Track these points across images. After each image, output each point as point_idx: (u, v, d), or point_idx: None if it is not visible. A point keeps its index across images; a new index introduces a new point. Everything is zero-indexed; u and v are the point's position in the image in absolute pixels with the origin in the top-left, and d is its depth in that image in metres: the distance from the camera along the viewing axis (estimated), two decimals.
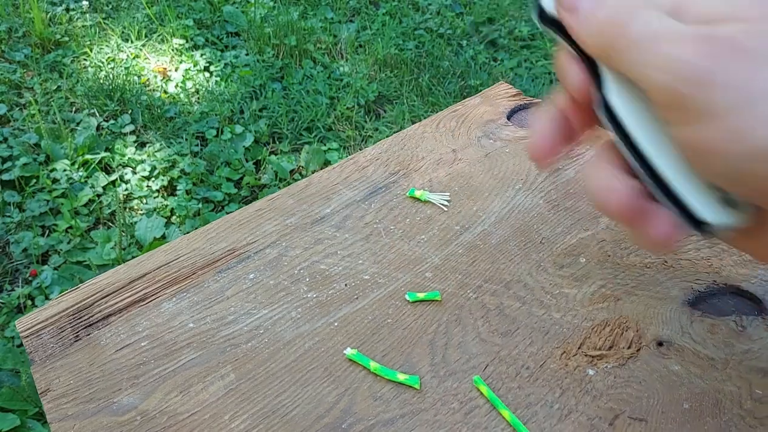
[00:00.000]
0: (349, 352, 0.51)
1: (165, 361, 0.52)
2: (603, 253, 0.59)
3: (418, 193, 0.67)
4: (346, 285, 0.57)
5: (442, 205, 0.66)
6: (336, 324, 0.54)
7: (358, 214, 0.65)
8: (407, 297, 0.56)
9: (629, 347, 0.51)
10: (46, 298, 1.54)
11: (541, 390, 0.48)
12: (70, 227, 1.71)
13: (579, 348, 0.51)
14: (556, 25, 0.34)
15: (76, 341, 0.54)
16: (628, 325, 0.53)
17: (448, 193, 0.67)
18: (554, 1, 0.34)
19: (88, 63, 2.33)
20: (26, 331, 0.55)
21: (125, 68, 2.30)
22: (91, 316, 0.56)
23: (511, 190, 0.67)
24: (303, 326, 0.54)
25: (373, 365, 0.50)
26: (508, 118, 0.79)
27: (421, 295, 0.56)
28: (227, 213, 1.78)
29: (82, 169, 1.88)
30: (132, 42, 2.44)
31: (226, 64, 2.37)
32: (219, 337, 0.53)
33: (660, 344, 0.51)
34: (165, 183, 1.86)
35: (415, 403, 0.48)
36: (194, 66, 2.34)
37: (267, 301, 0.56)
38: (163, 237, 1.68)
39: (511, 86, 0.84)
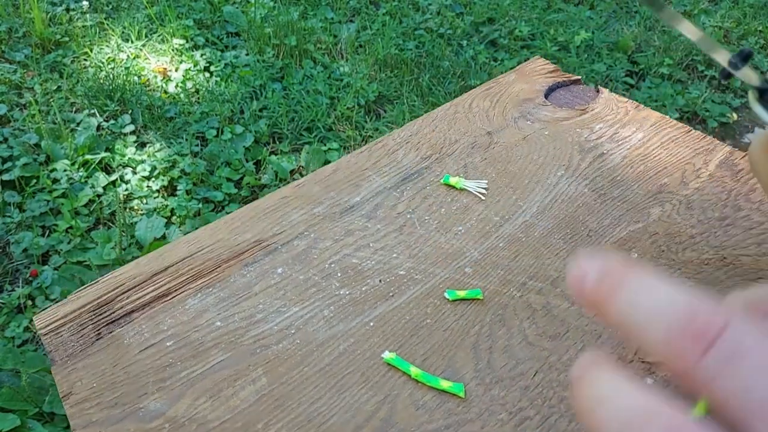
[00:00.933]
0: (387, 355, 0.48)
1: (192, 363, 0.49)
2: (656, 248, 0.55)
3: (453, 180, 0.63)
4: (380, 281, 0.54)
5: (480, 193, 0.62)
6: (372, 324, 0.51)
7: (389, 203, 0.61)
8: (447, 295, 0.52)
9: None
10: (47, 298, 1.54)
11: None
12: (71, 227, 1.70)
13: (635, 354, 0.47)
14: None
15: (98, 339, 0.51)
16: None
17: (486, 180, 0.63)
18: None
19: (88, 63, 2.30)
20: (45, 327, 0.52)
21: (125, 68, 2.27)
22: (113, 313, 0.53)
23: (553, 177, 0.63)
24: (337, 326, 0.51)
25: (413, 371, 0.47)
26: (546, 97, 0.74)
27: (461, 293, 0.52)
28: (227, 213, 1.75)
29: (82, 169, 1.86)
30: (132, 42, 2.40)
31: (226, 64, 2.33)
32: (248, 337, 0.50)
33: None
34: (165, 183, 1.84)
35: (461, 413, 0.45)
36: (194, 66, 2.31)
37: (297, 298, 0.53)
38: (164, 237, 1.67)
39: (547, 61, 0.80)
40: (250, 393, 0.47)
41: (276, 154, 2.00)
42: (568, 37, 2.60)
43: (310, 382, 0.47)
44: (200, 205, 1.78)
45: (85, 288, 0.55)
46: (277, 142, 2.04)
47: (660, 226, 0.57)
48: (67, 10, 2.59)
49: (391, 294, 0.53)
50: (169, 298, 0.54)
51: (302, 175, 1.88)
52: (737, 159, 0.64)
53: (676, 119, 2.20)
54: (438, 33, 2.58)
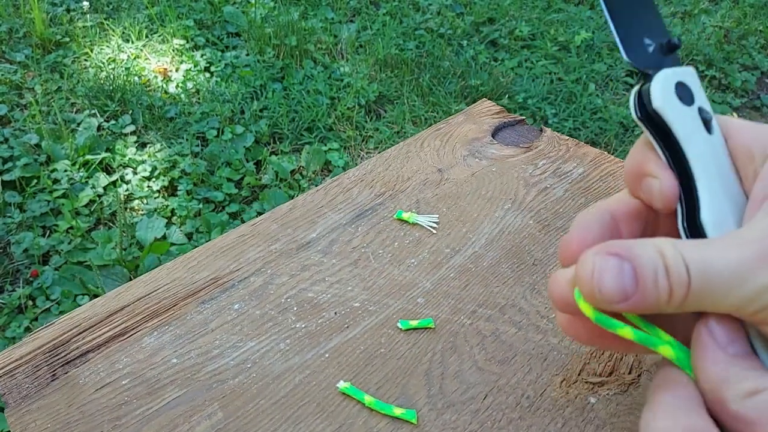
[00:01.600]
0: (342, 385, 0.49)
1: (148, 400, 0.49)
2: None
3: (405, 215, 0.65)
4: (335, 313, 0.55)
5: (431, 227, 0.64)
6: (327, 355, 0.52)
7: (345, 238, 0.63)
8: (400, 325, 0.54)
9: (630, 372, 0.50)
10: (47, 298, 1.52)
11: (542, 420, 0.47)
12: (71, 228, 1.69)
13: (579, 374, 0.50)
14: (651, 122, 0.30)
15: (53, 380, 0.51)
16: None
17: (437, 215, 0.66)
18: (662, 99, 0.29)
19: (88, 63, 2.31)
20: None
21: (126, 69, 2.28)
22: (69, 353, 0.53)
23: (500, 210, 0.66)
24: (292, 358, 0.52)
25: (367, 399, 0.48)
26: (493, 136, 0.78)
27: (414, 323, 0.54)
28: (228, 213, 1.76)
29: (82, 169, 1.86)
30: (133, 42, 2.42)
31: (226, 64, 2.36)
32: (204, 372, 0.51)
33: None
34: (166, 183, 1.84)
35: None
36: (195, 66, 2.33)
37: (254, 333, 0.54)
38: (164, 237, 1.67)
39: (493, 103, 0.84)
40: (206, 428, 0.47)
41: (276, 155, 2.00)
42: (569, 37, 2.66)
43: (266, 415, 0.48)
44: (201, 206, 1.78)
45: (40, 330, 0.55)
46: (278, 143, 2.06)
47: None
48: (68, 10, 2.60)
49: (346, 326, 0.54)
50: (125, 337, 0.54)
51: (303, 176, 1.89)
52: None
53: None
54: (438, 33, 2.63)
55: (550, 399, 0.48)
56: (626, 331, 0.27)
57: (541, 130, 0.78)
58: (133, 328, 0.54)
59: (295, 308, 0.56)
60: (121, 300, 0.57)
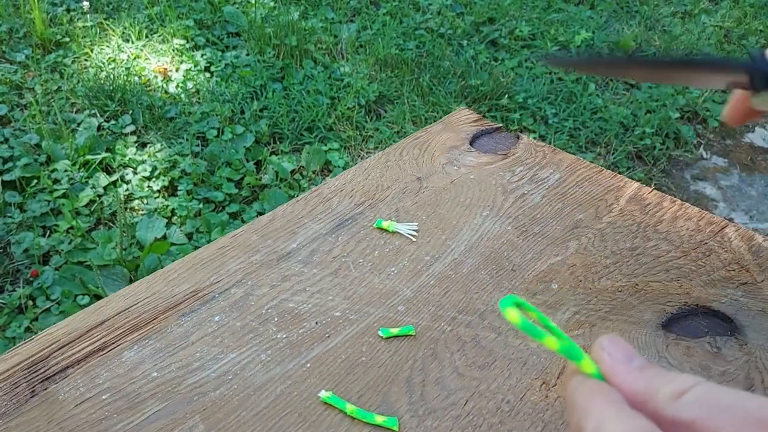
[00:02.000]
0: (323, 394, 0.49)
1: (129, 415, 0.49)
2: (574, 278, 0.59)
3: (385, 224, 0.65)
4: (316, 323, 0.56)
5: (411, 235, 0.65)
6: (308, 365, 0.52)
7: (325, 248, 0.63)
8: (380, 333, 0.54)
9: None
10: (47, 298, 1.51)
11: (523, 424, 0.47)
12: (71, 228, 1.68)
13: (558, 378, 0.50)
14: None
15: (32, 397, 0.50)
16: None
17: (416, 223, 0.66)
18: None
19: (88, 63, 2.30)
20: None
21: (126, 69, 2.27)
22: (48, 369, 0.52)
23: (479, 218, 0.67)
24: (274, 369, 0.52)
25: (349, 408, 0.48)
26: (471, 144, 0.79)
27: (394, 331, 0.54)
28: (228, 213, 1.75)
29: (83, 169, 1.85)
30: (133, 42, 2.41)
31: (226, 64, 2.36)
32: (185, 385, 0.51)
33: None
34: (166, 183, 1.84)
35: None
36: (195, 66, 2.32)
37: (234, 345, 0.54)
38: (164, 237, 1.66)
39: (472, 111, 0.85)
40: None
41: (276, 154, 2.00)
42: (569, 36, 2.68)
43: (247, 426, 0.48)
44: (201, 206, 1.77)
45: (19, 346, 0.55)
46: (278, 143, 2.05)
47: (577, 258, 0.61)
48: (68, 10, 2.59)
49: (327, 335, 0.55)
50: (105, 351, 0.54)
51: (303, 176, 1.89)
52: (645, 194, 0.69)
53: (677, 119, 2.27)
54: (438, 33, 2.63)
55: (530, 403, 0.49)
56: (550, 341, 0.28)
57: (518, 138, 0.79)
58: (113, 343, 0.54)
59: (276, 319, 0.56)
60: (101, 314, 0.57)
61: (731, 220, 1.92)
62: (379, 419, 0.47)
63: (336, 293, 0.58)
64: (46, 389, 0.51)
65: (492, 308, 0.56)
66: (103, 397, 0.50)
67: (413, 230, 0.65)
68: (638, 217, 0.66)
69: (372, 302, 0.57)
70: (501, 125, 0.81)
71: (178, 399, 0.50)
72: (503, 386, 0.50)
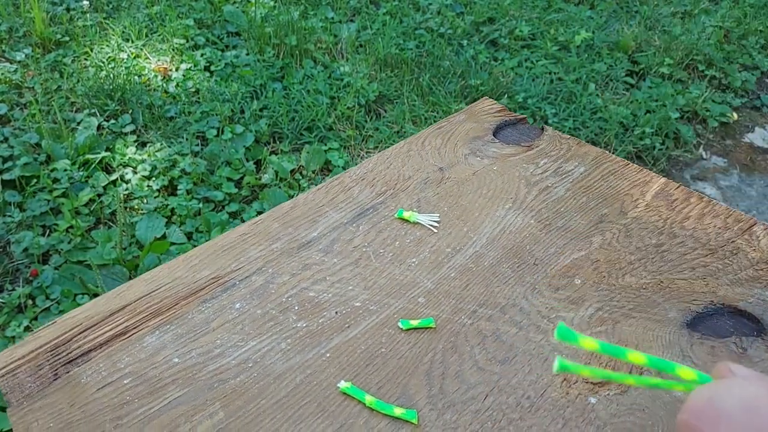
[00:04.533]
0: (342, 385, 0.49)
1: (150, 400, 0.49)
2: (598, 274, 0.58)
3: (406, 215, 0.65)
4: (336, 313, 0.56)
5: (432, 226, 0.64)
6: (328, 355, 0.52)
7: (346, 237, 0.63)
8: (400, 325, 0.54)
9: (630, 373, 0.50)
10: (47, 297, 1.53)
11: (543, 421, 0.47)
12: (71, 227, 1.70)
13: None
14: None
15: (55, 380, 0.51)
16: None
17: (438, 214, 0.66)
18: None
19: (88, 63, 2.31)
20: (1, 369, 0.52)
21: (126, 68, 2.28)
22: (70, 352, 0.53)
23: (501, 210, 0.66)
24: (293, 358, 0.52)
25: (368, 399, 0.48)
26: (494, 135, 0.78)
27: (414, 323, 0.54)
28: (228, 213, 1.76)
29: (82, 168, 1.87)
30: (133, 42, 2.42)
31: (226, 63, 2.36)
32: (206, 372, 0.51)
33: None
34: (165, 183, 1.85)
35: None
36: (195, 66, 2.33)
37: (255, 332, 0.54)
38: (164, 237, 1.67)
39: (495, 102, 0.84)
40: (207, 428, 0.47)
41: (276, 154, 2.01)
42: (569, 36, 2.65)
43: (267, 414, 0.48)
44: (201, 205, 1.78)
45: (42, 329, 0.55)
46: (278, 142, 2.06)
47: (601, 254, 0.61)
48: (68, 9, 2.60)
49: (347, 325, 0.54)
50: (126, 336, 0.54)
51: (302, 175, 1.89)
52: (672, 190, 0.68)
53: (676, 119, 2.23)
54: (438, 33, 2.62)
55: (551, 399, 0.48)
56: (635, 356, 0.29)
57: (542, 129, 0.78)
58: (135, 327, 0.55)
59: (296, 307, 0.56)
60: (123, 299, 0.57)
61: None
62: (398, 411, 0.47)
63: (356, 283, 0.58)
64: (68, 372, 0.51)
65: (513, 302, 0.56)
66: (125, 381, 0.50)
67: (434, 221, 0.65)
68: (664, 213, 0.65)
69: (392, 293, 0.57)
70: (525, 116, 0.80)
71: (199, 385, 0.50)
72: (524, 382, 0.50)
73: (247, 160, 1.96)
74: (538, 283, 0.58)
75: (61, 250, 1.63)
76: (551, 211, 0.66)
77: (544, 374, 0.50)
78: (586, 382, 0.49)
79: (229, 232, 0.64)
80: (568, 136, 0.76)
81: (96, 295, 1.50)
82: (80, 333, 0.54)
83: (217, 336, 0.54)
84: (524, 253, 0.61)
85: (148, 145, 2.00)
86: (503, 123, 0.79)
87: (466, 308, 0.56)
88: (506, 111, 0.81)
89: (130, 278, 1.56)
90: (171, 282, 0.59)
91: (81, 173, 1.85)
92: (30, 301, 1.52)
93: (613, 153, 2.07)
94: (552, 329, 0.54)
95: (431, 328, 0.54)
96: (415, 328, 0.54)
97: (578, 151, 0.74)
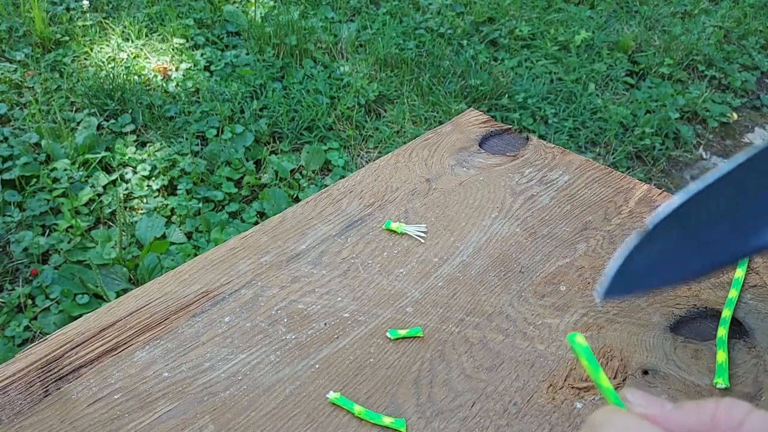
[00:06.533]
0: (332, 395, 0.50)
1: (140, 415, 0.49)
2: (583, 281, 0.59)
3: (394, 225, 0.66)
4: (325, 324, 0.56)
5: (419, 236, 0.65)
6: (317, 366, 0.53)
7: (334, 249, 0.64)
8: (389, 334, 0.55)
9: (615, 377, 0.50)
10: (47, 297, 1.53)
11: (530, 426, 0.47)
12: (71, 227, 1.70)
13: (565, 380, 0.50)
14: None
15: (45, 396, 0.51)
16: (612, 354, 0.52)
17: (425, 224, 0.66)
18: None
19: (88, 62, 2.32)
20: None
21: (126, 68, 2.29)
22: (61, 369, 0.53)
23: (487, 219, 0.67)
24: (283, 370, 0.52)
25: (357, 409, 0.48)
26: (480, 146, 0.79)
27: (402, 332, 0.55)
28: (228, 212, 1.76)
29: (82, 168, 1.87)
30: (132, 41, 2.43)
31: (226, 63, 2.37)
32: (196, 385, 0.51)
33: (645, 372, 0.51)
34: (165, 182, 1.86)
35: None
36: (195, 65, 2.34)
37: (244, 345, 0.54)
38: (164, 236, 1.67)
39: (481, 113, 0.85)
40: None
41: (276, 154, 2.01)
42: (569, 36, 2.67)
43: (257, 427, 0.48)
44: (200, 205, 1.79)
45: (32, 346, 0.56)
46: (278, 142, 2.06)
47: (586, 260, 0.61)
48: (68, 9, 2.60)
49: (335, 336, 0.55)
50: (117, 351, 0.54)
51: (302, 175, 1.90)
52: (655, 196, 0.69)
53: (676, 119, 2.25)
54: (438, 32, 2.63)
55: (537, 405, 0.49)
56: (604, 378, 0.30)
57: (528, 139, 0.79)
58: (125, 343, 0.55)
59: (285, 320, 0.56)
60: (113, 315, 0.57)
61: None
62: (387, 420, 0.48)
63: (345, 294, 0.59)
64: (59, 389, 0.52)
65: (500, 310, 0.57)
66: (115, 396, 0.51)
67: (422, 232, 0.65)
68: (648, 219, 0.66)
69: (380, 304, 0.58)
70: (510, 126, 0.82)
71: (189, 399, 0.50)
72: (510, 388, 0.50)
73: (247, 160, 1.97)
74: (524, 290, 0.59)
75: (61, 249, 1.63)
76: (536, 219, 0.67)
77: (531, 380, 0.51)
78: (572, 387, 0.50)
79: (218, 247, 0.65)
80: (553, 145, 0.78)
81: (96, 294, 1.50)
82: (71, 349, 0.55)
83: (207, 350, 0.54)
84: (510, 261, 0.62)
85: (148, 144, 2.00)
86: (489, 133, 0.81)
87: (453, 317, 0.56)
88: (492, 121, 0.83)
89: (130, 278, 1.56)
90: (161, 297, 0.59)
91: (81, 173, 1.86)
92: (30, 301, 1.52)
93: (612, 153, 2.09)
94: (538, 336, 0.54)
95: (419, 337, 0.54)
96: (404, 338, 0.54)
97: (562, 160, 0.75)
